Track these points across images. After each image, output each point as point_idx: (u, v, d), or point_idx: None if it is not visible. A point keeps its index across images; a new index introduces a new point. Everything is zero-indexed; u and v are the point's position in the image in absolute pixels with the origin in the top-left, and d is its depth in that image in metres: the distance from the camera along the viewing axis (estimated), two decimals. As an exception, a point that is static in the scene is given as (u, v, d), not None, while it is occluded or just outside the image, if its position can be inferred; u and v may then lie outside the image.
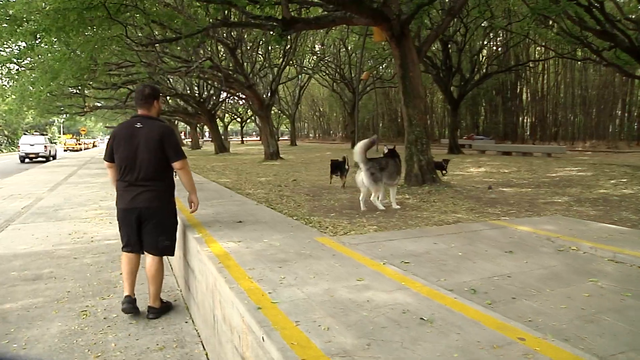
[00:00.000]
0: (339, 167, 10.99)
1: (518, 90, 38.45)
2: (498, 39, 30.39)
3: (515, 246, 4.58)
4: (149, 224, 4.25)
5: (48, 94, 22.12)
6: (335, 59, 35.06)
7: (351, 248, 4.34)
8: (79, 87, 22.54)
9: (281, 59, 22.90)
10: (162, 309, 4.55)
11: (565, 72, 35.04)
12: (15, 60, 11.80)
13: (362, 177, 7.22)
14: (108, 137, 5.53)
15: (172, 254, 4.64)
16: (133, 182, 4.19)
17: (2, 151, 53.39)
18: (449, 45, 24.71)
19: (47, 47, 13.09)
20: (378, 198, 7.33)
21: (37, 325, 4.40)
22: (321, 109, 70.12)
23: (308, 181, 12.10)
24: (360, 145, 7.21)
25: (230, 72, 19.39)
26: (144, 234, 4.30)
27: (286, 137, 65.85)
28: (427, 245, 4.58)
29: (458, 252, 4.36)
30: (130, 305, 4.39)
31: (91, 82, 21.09)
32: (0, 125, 54.43)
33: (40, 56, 14.11)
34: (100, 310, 4.76)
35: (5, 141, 55.98)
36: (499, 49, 29.52)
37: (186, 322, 4.49)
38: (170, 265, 6.32)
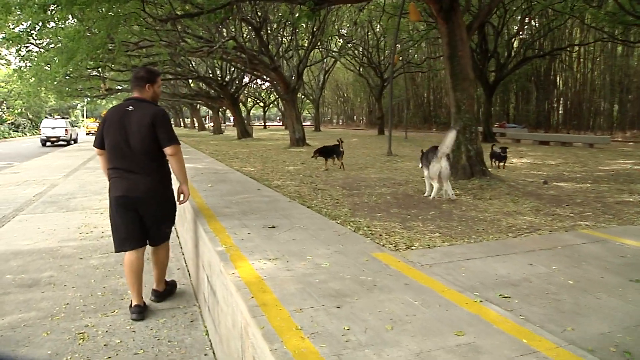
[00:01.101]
0: (333, 151, 11.51)
1: (552, 77, 36.54)
2: (535, 21, 28.60)
3: (637, 270, 3.48)
4: (148, 216, 3.98)
5: (67, 77, 21.45)
6: (362, 42, 33.56)
7: (425, 272, 3.27)
8: (99, 69, 21.72)
9: (307, 41, 21.63)
10: (167, 292, 4.38)
11: (605, 58, 33.08)
12: (26, 38, 10.92)
13: (443, 166, 6.92)
14: None
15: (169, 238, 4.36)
16: (126, 170, 3.87)
17: (25, 134, 53.41)
18: (485, 28, 23.23)
19: (60, 24, 12.17)
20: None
21: (21, 353, 3.52)
22: (345, 94, 68.62)
23: (341, 171, 11.04)
24: (453, 135, 6.93)
25: (255, 53, 18.29)
26: (147, 226, 4.04)
27: (309, 123, 64.67)
28: (521, 268, 3.49)
29: (567, 279, 3.27)
30: (141, 315, 4.09)
31: (111, 64, 20.23)
32: (23, 109, 54.36)
33: (53, 35, 13.24)
34: (101, 332, 3.85)
35: (29, 124, 55.94)
36: (539, 32, 27.57)
37: (205, 355, 3.54)
38: (189, 272, 5.36)
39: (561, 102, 36.90)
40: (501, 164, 11.83)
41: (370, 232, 4.62)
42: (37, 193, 10.57)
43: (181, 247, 6.37)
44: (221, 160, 13.35)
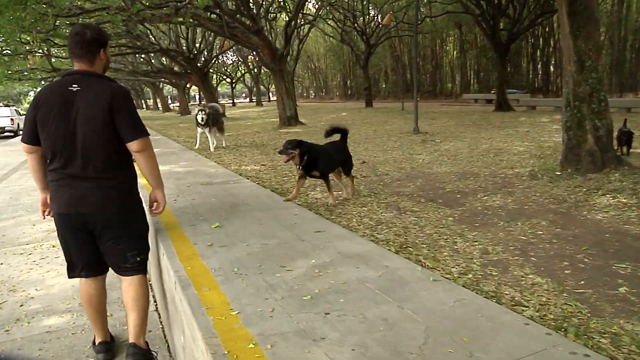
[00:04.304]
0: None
1: (548, 37, 33.52)
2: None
3: None
4: (107, 238, 2.64)
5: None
6: (345, 3, 29.73)
7: None
8: (34, 44, 17.76)
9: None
10: (149, 353, 2.76)
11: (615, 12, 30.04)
12: None
13: None
14: None
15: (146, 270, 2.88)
16: (72, 175, 2.56)
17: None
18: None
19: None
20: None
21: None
22: (316, 65, 64.70)
23: (381, 162, 7.79)
24: None
25: (232, 14, 14.62)
26: (104, 253, 2.70)
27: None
28: None
29: None
30: (110, 354, 2.86)
31: (51, 37, 16.26)
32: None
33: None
34: None
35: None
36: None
37: None
38: None
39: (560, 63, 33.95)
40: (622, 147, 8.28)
41: None
42: (-57, 215, 7.05)
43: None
44: (206, 155, 9.79)
